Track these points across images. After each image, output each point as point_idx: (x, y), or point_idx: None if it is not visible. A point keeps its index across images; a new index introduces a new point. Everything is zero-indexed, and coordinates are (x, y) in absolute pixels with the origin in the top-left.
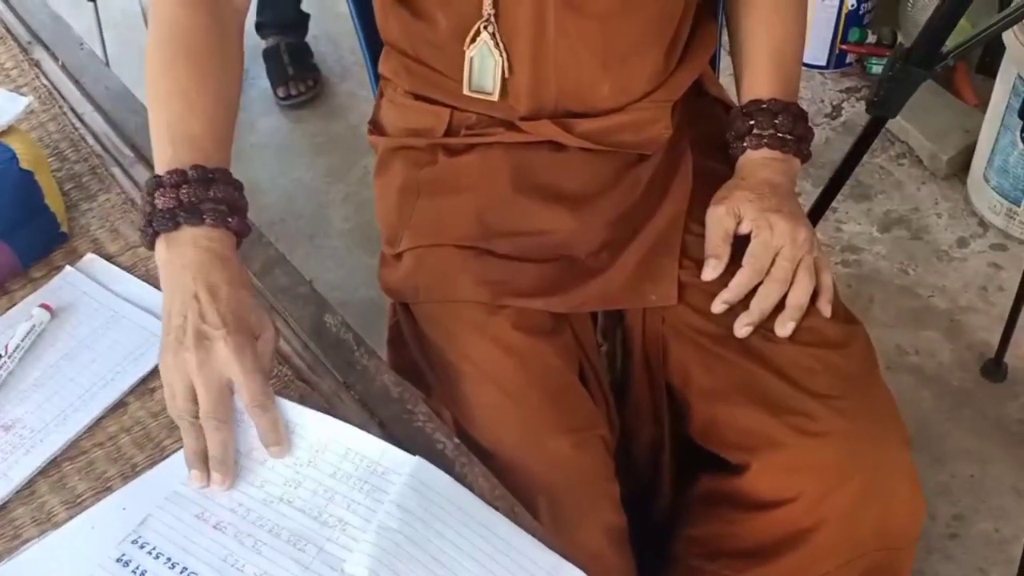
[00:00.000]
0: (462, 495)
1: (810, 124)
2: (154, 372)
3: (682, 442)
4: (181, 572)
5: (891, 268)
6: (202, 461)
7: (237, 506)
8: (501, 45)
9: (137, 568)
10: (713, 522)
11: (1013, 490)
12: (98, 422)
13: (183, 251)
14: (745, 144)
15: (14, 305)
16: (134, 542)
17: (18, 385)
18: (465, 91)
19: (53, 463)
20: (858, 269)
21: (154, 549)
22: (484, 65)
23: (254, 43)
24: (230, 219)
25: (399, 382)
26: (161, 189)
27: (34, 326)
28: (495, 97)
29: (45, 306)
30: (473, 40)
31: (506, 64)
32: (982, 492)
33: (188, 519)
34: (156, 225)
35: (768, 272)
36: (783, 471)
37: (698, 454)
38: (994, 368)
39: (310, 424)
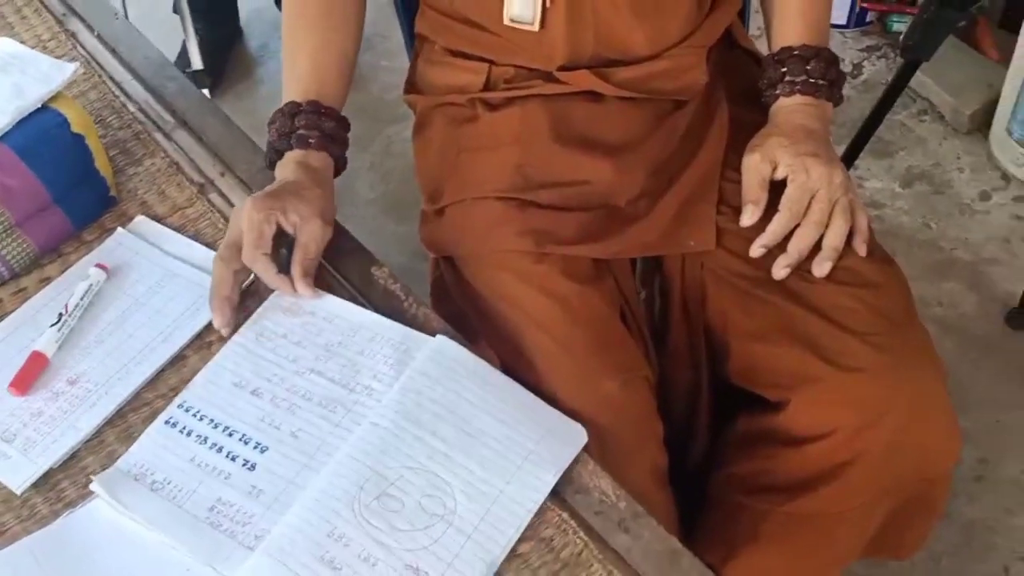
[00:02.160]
0: (478, 363)
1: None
2: (210, 326)
3: (719, 387)
4: (223, 431)
5: (914, 222)
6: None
7: (272, 375)
8: None
9: (184, 429)
10: (752, 459)
11: None
12: (159, 374)
13: (282, 169)
14: (778, 91)
15: (69, 267)
16: (180, 406)
17: (80, 342)
18: (504, 21)
19: (119, 414)
20: (881, 224)
21: (198, 412)
22: None
23: (273, 16)
24: (311, 140)
25: (449, 330)
26: (269, 127)
27: (91, 285)
28: (535, 27)
29: (101, 266)
30: None
31: None
32: (1007, 436)
33: (226, 386)
34: (268, 158)
35: (804, 215)
36: (821, 406)
37: (734, 399)
38: (1018, 317)
39: (343, 312)
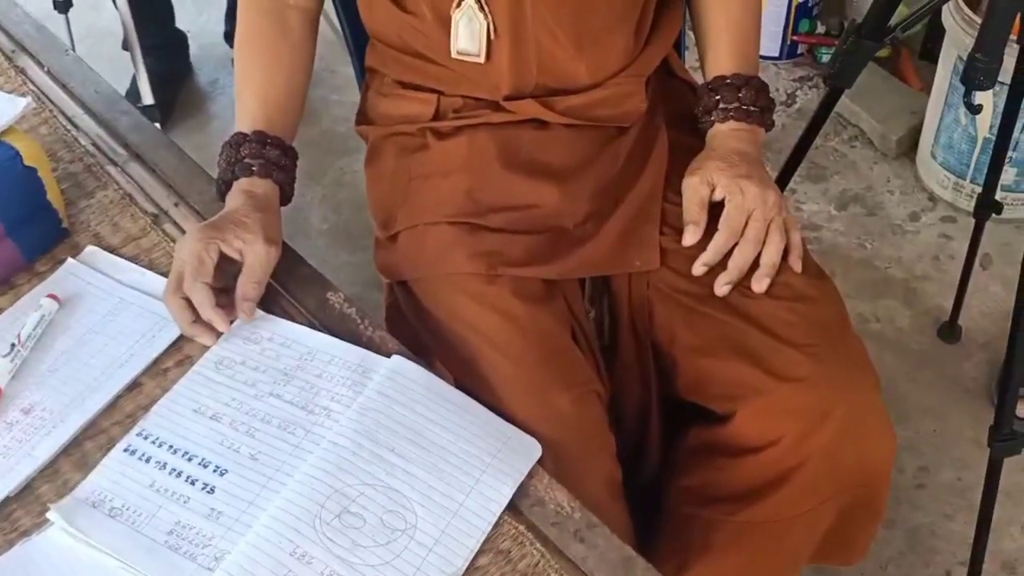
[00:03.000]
0: (434, 381)
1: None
2: (166, 353)
3: (668, 403)
4: (182, 456)
5: (849, 243)
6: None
7: (231, 400)
8: (486, 8)
9: (143, 456)
10: (703, 470)
11: (972, 441)
12: (115, 402)
13: (230, 199)
14: (713, 118)
15: (21, 298)
16: (139, 434)
17: (33, 372)
18: (452, 54)
19: (75, 442)
20: (819, 245)
21: (157, 439)
22: (470, 28)
23: (223, 52)
24: (253, 168)
25: (404, 350)
26: (218, 160)
27: (44, 316)
28: (481, 59)
29: (52, 296)
30: (459, 5)
31: (491, 25)
32: (944, 445)
33: (186, 413)
34: (218, 188)
35: (742, 233)
36: (766, 416)
37: (683, 414)
38: (949, 331)
39: (300, 337)
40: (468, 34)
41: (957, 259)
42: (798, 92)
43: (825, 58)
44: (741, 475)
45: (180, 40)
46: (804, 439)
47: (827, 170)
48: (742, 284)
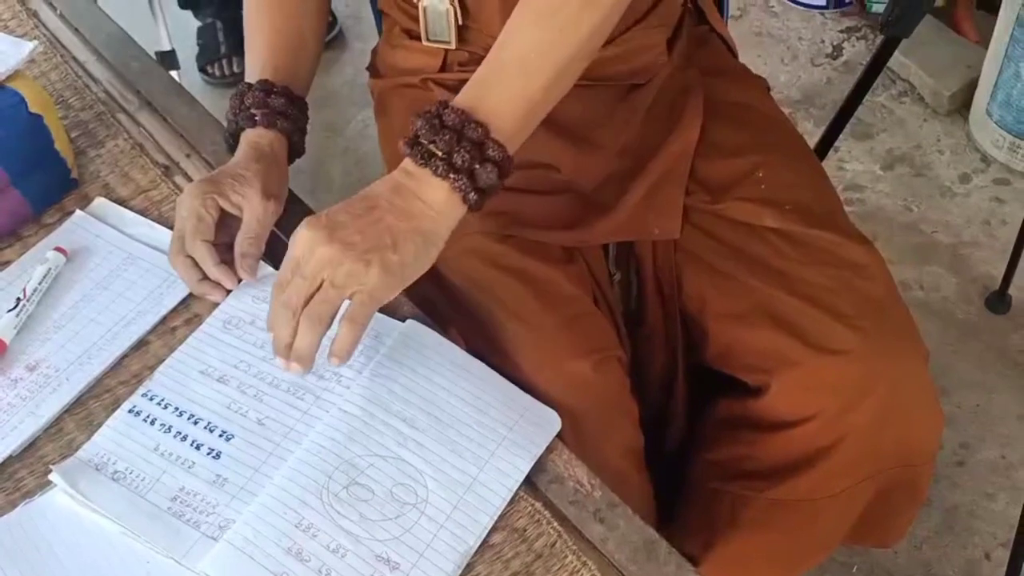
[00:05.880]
0: (449, 347)
1: None
2: (175, 311)
3: (694, 370)
4: (188, 419)
5: (894, 205)
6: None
7: (239, 362)
8: None
9: (148, 417)
10: (731, 445)
11: (1018, 418)
12: (121, 361)
13: (236, 152)
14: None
15: (28, 250)
16: (144, 395)
17: (38, 327)
18: (424, 42)
19: (79, 401)
20: (862, 207)
21: (163, 400)
22: (437, 14)
23: None
24: (256, 117)
25: (419, 314)
26: (226, 112)
27: (50, 269)
28: (452, 45)
29: (59, 249)
30: None
31: (457, 12)
32: (988, 421)
33: (193, 375)
34: (226, 142)
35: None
36: (802, 389)
37: (710, 382)
38: (998, 300)
39: None
40: (436, 21)
41: (1010, 224)
42: (845, 44)
43: (876, 7)
44: (773, 451)
45: None
46: (843, 415)
47: (873, 127)
48: (780, 247)
